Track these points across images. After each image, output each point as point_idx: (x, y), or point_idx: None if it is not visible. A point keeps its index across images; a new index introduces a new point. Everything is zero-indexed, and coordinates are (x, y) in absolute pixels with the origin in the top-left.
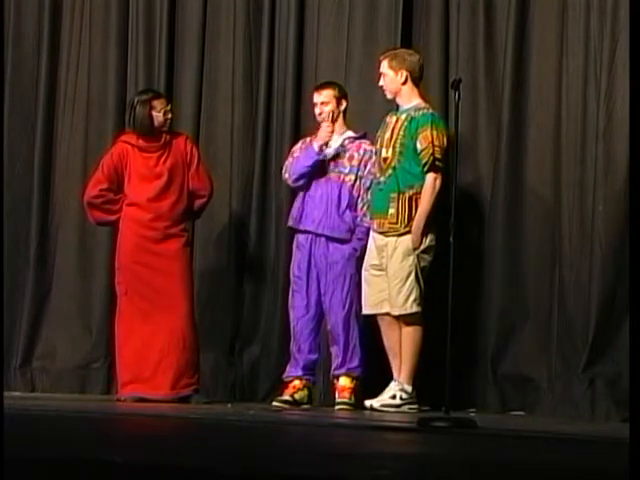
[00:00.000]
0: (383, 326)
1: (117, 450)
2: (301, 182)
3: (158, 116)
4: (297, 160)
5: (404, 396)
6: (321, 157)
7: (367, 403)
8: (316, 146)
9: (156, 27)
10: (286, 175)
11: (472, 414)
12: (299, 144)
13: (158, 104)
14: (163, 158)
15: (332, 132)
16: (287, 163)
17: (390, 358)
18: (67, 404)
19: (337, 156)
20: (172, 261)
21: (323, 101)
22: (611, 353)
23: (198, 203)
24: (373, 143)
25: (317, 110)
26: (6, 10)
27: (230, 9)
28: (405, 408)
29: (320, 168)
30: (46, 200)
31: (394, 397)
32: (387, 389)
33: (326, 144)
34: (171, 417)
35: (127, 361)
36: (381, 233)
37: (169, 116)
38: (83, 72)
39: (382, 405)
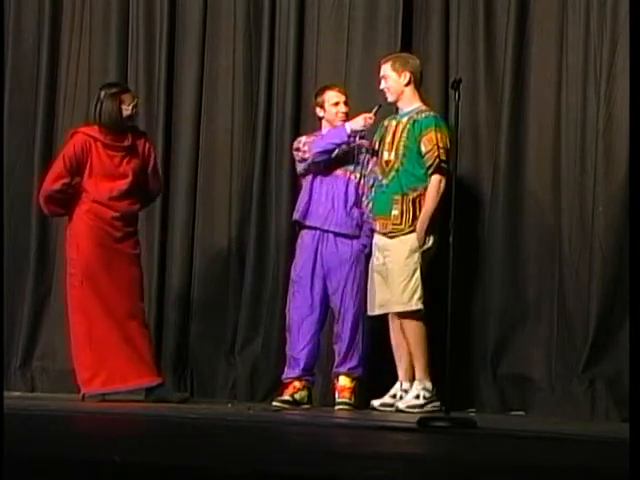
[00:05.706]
0: (396, 326)
1: (117, 450)
2: (323, 157)
3: (127, 110)
4: (323, 137)
5: (427, 395)
6: (349, 141)
7: (375, 403)
8: (348, 128)
9: (156, 27)
10: (305, 148)
11: (472, 414)
12: (310, 138)
13: (127, 98)
14: (127, 158)
15: (371, 125)
16: (305, 140)
17: (397, 359)
18: (67, 404)
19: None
20: (128, 260)
21: (346, 101)
22: (611, 353)
23: (147, 200)
24: (371, 143)
25: (341, 109)
26: (6, 10)
27: (230, 9)
28: (429, 407)
29: (326, 164)
30: None
31: (417, 397)
32: (392, 389)
33: (357, 133)
34: (171, 417)
35: (90, 356)
36: (384, 234)
37: (136, 111)
38: (83, 72)
39: (407, 407)
